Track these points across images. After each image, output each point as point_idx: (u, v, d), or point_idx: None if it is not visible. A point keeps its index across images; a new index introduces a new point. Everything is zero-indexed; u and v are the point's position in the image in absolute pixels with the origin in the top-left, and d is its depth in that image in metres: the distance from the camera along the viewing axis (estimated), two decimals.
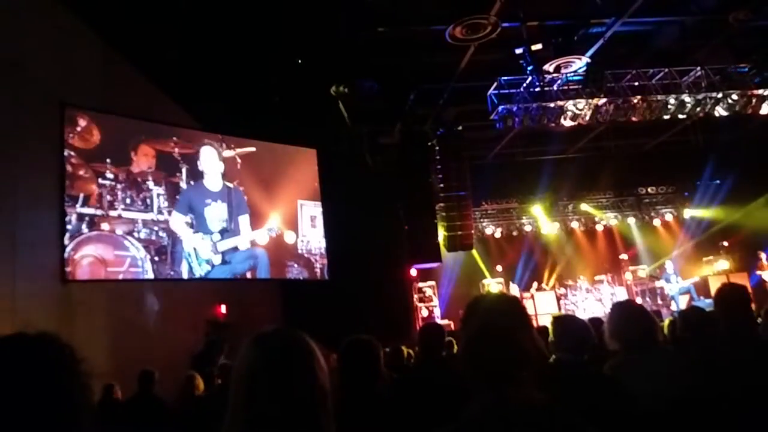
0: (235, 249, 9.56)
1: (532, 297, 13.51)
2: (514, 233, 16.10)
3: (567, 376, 2.54)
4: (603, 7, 8.60)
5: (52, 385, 1.08)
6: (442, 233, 12.12)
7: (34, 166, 7.03)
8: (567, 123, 10.75)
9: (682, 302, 12.60)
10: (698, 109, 10.92)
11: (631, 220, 16.35)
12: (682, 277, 13.62)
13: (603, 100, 10.51)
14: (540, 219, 15.98)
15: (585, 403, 1.73)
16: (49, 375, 1.09)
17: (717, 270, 14.17)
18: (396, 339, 6.08)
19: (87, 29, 7.85)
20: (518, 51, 9.04)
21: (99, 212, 7.84)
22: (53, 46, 7.27)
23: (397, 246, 12.10)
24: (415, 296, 13.63)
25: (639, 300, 13.21)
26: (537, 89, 10.21)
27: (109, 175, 8.08)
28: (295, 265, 10.59)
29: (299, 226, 10.75)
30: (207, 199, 9.33)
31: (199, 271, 9.02)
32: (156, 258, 8.47)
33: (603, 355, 3.07)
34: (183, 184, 9.12)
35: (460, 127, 11.37)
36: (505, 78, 10.18)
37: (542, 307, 13.16)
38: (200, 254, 9.04)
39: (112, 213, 8.01)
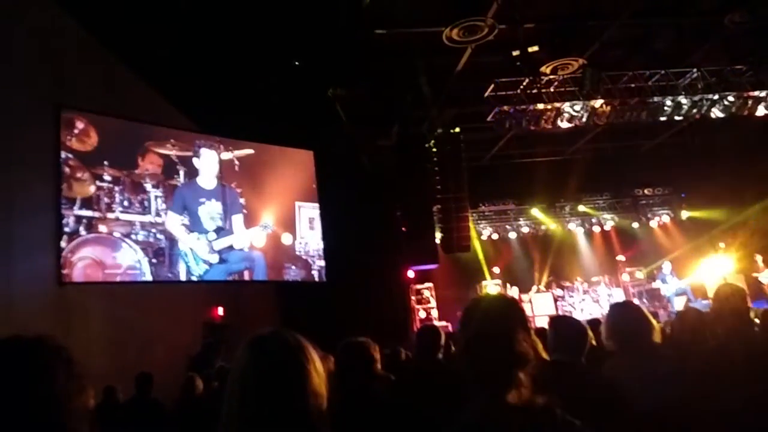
0: (231, 248, 9.56)
1: (530, 301, 13.49)
2: (512, 235, 16.12)
3: (564, 377, 2.54)
4: (600, 10, 8.61)
5: (47, 387, 1.08)
6: (439, 235, 12.12)
7: (31, 168, 7.01)
8: (564, 125, 10.76)
9: (679, 303, 12.60)
10: (695, 110, 10.95)
11: (628, 222, 16.36)
12: (679, 279, 13.63)
13: (600, 102, 10.53)
14: (537, 221, 15.99)
15: (582, 404, 1.73)
16: (44, 377, 1.09)
17: (714, 271, 14.16)
18: (394, 341, 6.06)
19: (85, 32, 7.84)
20: (515, 53, 9.06)
21: (96, 214, 7.83)
22: (51, 48, 7.26)
23: (395, 248, 12.09)
24: (413, 298, 13.62)
25: (636, 301, 13.20)
26: (534, 91, 10.23)
27: (107, 178, 8.07)
28: (293, 267, 10.58)
29: (297, 227, 10.74)
30: (201, 198, 9.33)
31: (197, 271, 9.01)
32: (154, 260, 8.46)
33: (600, 356, 3.07)
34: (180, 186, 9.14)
35: (457, 129, 11.36)
36: (502, 80, 10.19)
37: (539, 308, 13.16)
38: (198, 254, 9.03)
39: (110, 215, 8.00)
